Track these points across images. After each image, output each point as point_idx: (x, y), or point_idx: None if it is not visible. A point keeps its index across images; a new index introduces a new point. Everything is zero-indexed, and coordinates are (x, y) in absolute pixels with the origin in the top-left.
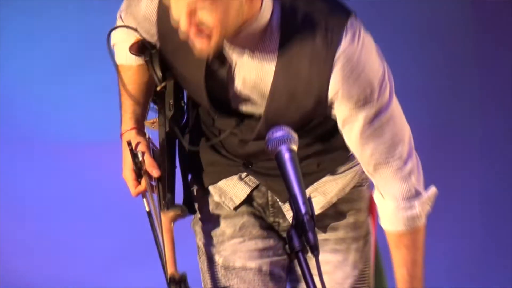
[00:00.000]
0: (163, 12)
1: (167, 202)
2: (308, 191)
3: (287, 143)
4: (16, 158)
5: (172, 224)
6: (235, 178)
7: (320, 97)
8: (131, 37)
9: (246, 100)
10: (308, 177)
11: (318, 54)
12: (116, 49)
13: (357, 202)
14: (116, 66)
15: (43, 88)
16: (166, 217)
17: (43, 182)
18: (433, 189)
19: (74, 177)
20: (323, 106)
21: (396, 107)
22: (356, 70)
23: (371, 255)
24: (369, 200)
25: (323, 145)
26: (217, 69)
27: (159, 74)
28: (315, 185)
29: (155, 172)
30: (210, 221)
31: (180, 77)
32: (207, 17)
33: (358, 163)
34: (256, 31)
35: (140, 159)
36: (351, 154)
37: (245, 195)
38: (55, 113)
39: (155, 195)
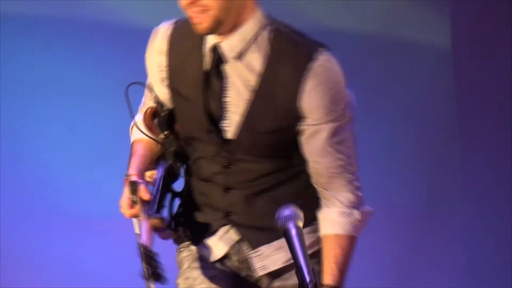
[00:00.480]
0: (173, 40)
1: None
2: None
3: (294, 220)
4: None
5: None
6: (215, 238)
7: (294, 105)
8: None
9: (232, 110)
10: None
11: (299, 64)
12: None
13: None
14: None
15: None
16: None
17: None
18: (369, 208)
19: None
20: (295, 116)
21: (353, 131)
22: (328, 82)
23: None
24: None
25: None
26: (213, 81)
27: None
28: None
29: (147, 196)
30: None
31: (182, 103)
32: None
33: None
34: (249, 34)
35: (137, 187)
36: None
37: (223, 254)
38: None
39: None
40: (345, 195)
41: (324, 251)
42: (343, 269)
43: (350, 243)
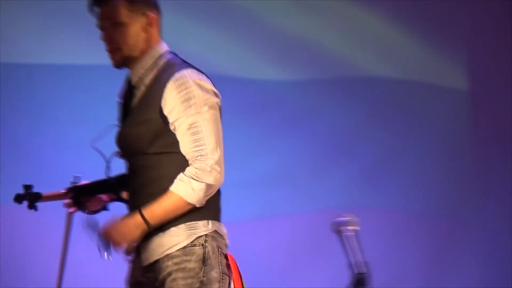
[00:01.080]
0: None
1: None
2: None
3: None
4: None
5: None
6: None
7: (159, 104)
8: None
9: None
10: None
11: (169, 75)
12: None
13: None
14: None
15: None
16: None
17: None
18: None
19: None
20: (160, 120)
21: (211, 123)
22: (183, 86)
23: None
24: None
25: None
26: (129, 103)
27: None
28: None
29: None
30: None
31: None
32: (117, 28)
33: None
34: (148, 63)
35: None
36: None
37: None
38: None
39: None
40: (189, 168)
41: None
42: (159, 212)
43: (174, 199)
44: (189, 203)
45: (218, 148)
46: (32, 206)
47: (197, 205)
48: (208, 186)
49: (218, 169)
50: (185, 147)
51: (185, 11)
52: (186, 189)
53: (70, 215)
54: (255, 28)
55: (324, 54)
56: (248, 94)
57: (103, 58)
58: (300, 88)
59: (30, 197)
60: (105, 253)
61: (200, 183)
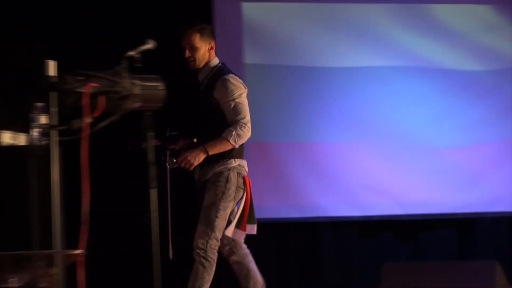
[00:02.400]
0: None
1: None
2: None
3: None
4: None
5: None
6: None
7: (213, 93)
8: None
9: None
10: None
11: (219, 77)
12: None
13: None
14: None
15: None
16: None
17: None
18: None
19: None
20: (215, 102)
21: (244, 104)
22: (226, 83)
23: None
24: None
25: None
26: (198, 90)
27: None
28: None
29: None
30: None
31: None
32: (194, 49)
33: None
34: (209, 68)
35: None
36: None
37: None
38: None
39: None
40: (233, 126)
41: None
42: (214, 147)
43: (223, 141)
44: (231, 144)
45: (247, 117)
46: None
47: (236, 147)
48: (243, 136)
49: (248, 129)
50: (230, 117)
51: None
52: (231, 136)
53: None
54: None
55: None
56: None
57: (363, 60)
58: None
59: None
60: (171, 164)
61: (239, 134)
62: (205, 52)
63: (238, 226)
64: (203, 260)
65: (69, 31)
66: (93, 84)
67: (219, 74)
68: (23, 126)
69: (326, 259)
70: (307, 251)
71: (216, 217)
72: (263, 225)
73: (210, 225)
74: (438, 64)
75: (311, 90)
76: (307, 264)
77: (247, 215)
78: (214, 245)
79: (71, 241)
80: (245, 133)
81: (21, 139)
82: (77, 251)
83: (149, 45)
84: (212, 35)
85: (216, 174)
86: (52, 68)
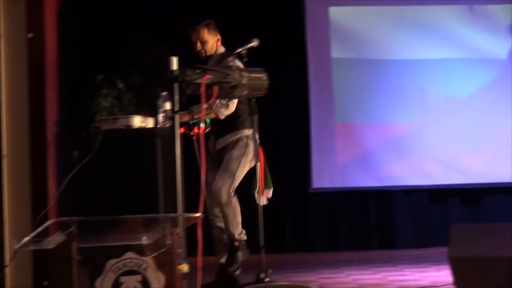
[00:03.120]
0: None
1: None
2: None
3: None
4: None
5: None
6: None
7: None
8: None
9: None
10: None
11: (225, 57)
12: None
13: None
14: None
15: None
16: None
17: None
18: None
19: None
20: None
21: None
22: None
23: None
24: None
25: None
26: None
27: None
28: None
29: None
30: None
31: None
32: (204, 43)
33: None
34: (217, 55)
35: None
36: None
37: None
38: None
39: None
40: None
41: None
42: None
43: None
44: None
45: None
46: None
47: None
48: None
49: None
50: None
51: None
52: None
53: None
54: None
55: None
56: None
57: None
58: None
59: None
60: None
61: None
62: (213, 44)
63: (258, 192)
64: (233, 206)
65: (185, 32)
66: (208, 76)
67: (224, 57)
68: (150, 112)
69: (401, 221)
70: (385, 214)
71: (237, 168)
72: (349, 192)
73: (232, 174)
74: (495, 55)
75: (386, 79)
76: (384, 225)
77: (263, 181)
78: (232, 191)
79: (189, 206)
80: (230, 107)
81: (149, 122)
82: (196, 215)
83: (254, 43)
84: (217, 28)
85: (234, 141)
86: (174, 63)
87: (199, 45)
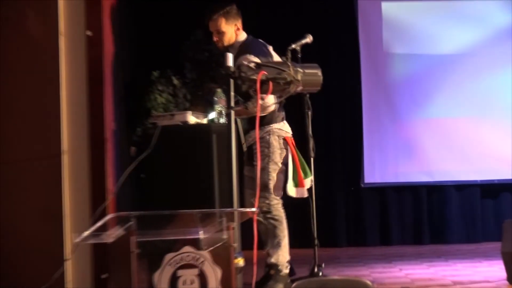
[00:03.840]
0: None
1: None
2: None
3: None
4: None
5: None
6: None
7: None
8: None
9: None
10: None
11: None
12: None
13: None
14: None
15: None
16: None
17: None
18: None
19: None
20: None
21: None
22: (250, 46)
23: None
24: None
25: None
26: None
27: None
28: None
29: None
30: None
31: None
32: (221, 34)
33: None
34: (238, 44)
35: None
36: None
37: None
38: None
39: None
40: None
41: None
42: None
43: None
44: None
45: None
46: None
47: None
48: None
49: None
50: None
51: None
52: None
53: None
54: None
55: None
56: None
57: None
58: None
59: None
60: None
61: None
62: (232, 33)
63: (296, 185)
64: (272, 221)
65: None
66: (263, 72)
67: (242, 51)
68: (205, 108)
69: (452, 216)
70: (436, 209)
71: (269, 179)
72: (401, 187)
73: (266, 187)
74: None
75: (439, 74)
76: (436, 220)
77: (300, 172)
78: (275, 203)
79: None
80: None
81: (204, 118)
82: (252, 209)
83: (307, 39)
84: (237, 15)
85: (261, 138)
86: (230, 59)
87: (215, 35)
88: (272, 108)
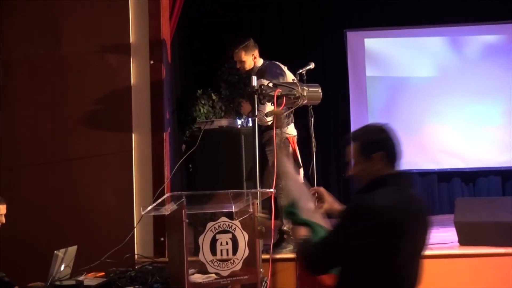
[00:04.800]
0: None
1: None
2: None
3: None
4: None
5: None
6: None
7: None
8: None
9: None
10: None
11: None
12: None
13: None
14: None
15: None
16: None
17: None
18: None
19: None
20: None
21: None
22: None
23: None
24: None
25: None
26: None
27: None
28: None
29: None
30: None
31: None
32: (242, 62)
33: None
34: (256, 69)
35: None
36: None
37: None
38: None
39: None
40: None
41: None
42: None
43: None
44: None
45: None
46: None
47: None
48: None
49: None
50: None
51: None
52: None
53: None
54: None
55: None
56: None
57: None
58: None
59: None
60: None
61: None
62: (250, 61)
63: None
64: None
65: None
66: (279, 90)
67: (259, 75)
68: (235, 116)
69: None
70: None
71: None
72: None
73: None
74: None
75: (408, 91)
76: None
77: (298, 163)
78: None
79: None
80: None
81: (234, 123)
82: (269, 190)
83: (311, 65)
84: (254, 46)
85: (267, 140)
86: (255, 81)
87: (238, 64)
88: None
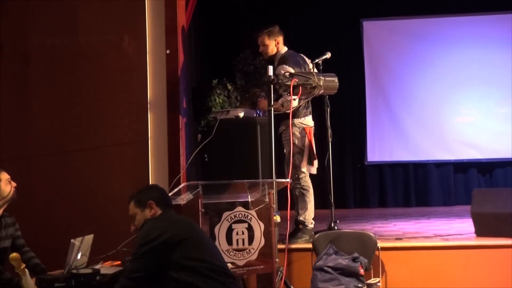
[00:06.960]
0: None
1: None
2: None
3: None
4: None
5: None
6: None
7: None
8: None
9: None
10: None
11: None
12: None
13: None
14: None
15: None
16: None
17: None
18: None
19: None
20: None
21: None
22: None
23: None
24: None
25: None
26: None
27: None
28: None
29: None
30: None
31: None
32: (264, 46)
33: None
34: (279, 55)
35: None
36: None
37: None
38: None
39: None
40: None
41: None
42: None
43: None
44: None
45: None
46: None
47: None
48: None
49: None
50: None
51: None
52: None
53: None
54: None
55: None
56: None
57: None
58: None
59: None
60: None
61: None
62: (273, 47)
63: (309, 163)
64: (302, 190)
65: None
66: (295, 79)
67: (281, 61)
68: (250, 106)
69: (433, 186)
70: (421, 181)
71: (294, 159)
72: (395, 164)
73: (295, 167)
74: None
75: (425, 83)
76: (421, 189)
77: (313, 154)
78: (303, 176)
79: (281, 174)
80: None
81: (251, 113)
82: (285, 180)
83: (327, 55)
84: (278, 33)
85: (284, 130)
86: (270, 70)
87: (261, 47)
88: (295, 104)
